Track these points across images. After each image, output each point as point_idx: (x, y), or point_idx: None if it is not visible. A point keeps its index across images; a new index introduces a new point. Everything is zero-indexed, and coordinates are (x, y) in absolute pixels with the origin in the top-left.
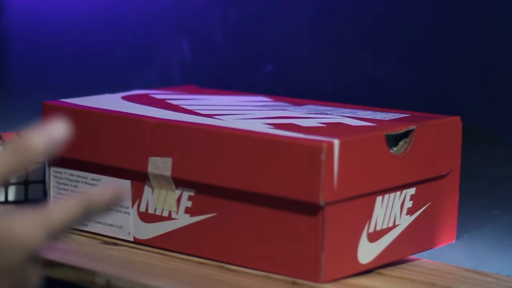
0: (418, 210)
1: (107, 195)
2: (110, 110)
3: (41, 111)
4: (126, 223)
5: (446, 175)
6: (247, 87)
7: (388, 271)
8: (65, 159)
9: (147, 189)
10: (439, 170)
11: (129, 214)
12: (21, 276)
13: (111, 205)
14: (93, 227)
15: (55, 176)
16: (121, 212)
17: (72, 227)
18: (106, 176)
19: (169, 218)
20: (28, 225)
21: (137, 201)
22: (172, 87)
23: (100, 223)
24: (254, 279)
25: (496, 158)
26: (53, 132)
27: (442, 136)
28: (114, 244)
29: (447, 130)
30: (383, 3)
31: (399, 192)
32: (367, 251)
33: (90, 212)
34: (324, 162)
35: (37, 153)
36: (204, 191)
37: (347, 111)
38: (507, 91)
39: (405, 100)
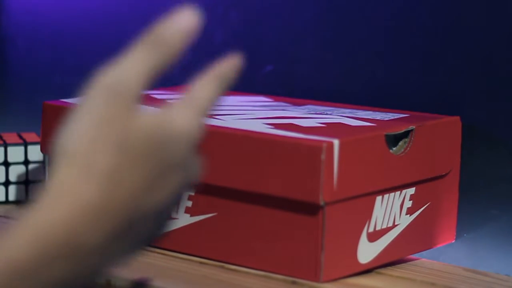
0: (418, 210)
1: (231, 65)
2: None
3: (41, 111)
4: None
5: (445, 175)
6: (247, 87)
7: (387, 270)
8: None
9: None
10: (438, 170)
11: None
12: (187, 168)
13: (236, 73)
14: None
15: None
16: None
17: (215, 104)
18: None
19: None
20: (184, 115)
21: None
22: (172, 87)
23: None
24: (254, 279)
25: (495, 158)
26: (184, 21)
27: (441, 136)
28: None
29: (447, 130)
30: (383, 3)
31: (398, 192)
32: (367, 251)
33: (225, 85)
34: (324, 162)
35: (175, 46)
36: (204, 191)
37: (347, 111)
38: (507, 91)
39: (405, 100)
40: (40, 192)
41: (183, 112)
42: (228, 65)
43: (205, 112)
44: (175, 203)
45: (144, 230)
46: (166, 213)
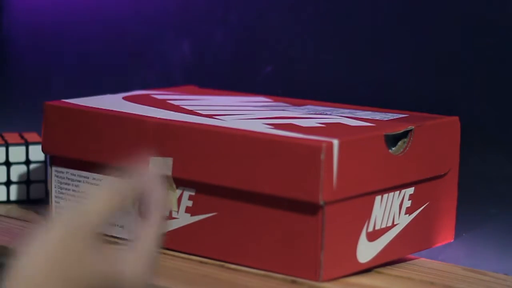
0: (417, 209)
1: (157, 200)
2: (111, 110)
3: (42, 111)
4: (128, 223)
5: (444, 174)
6: (247, 87)
7: (387, 270)
8: (67, 158)
9: None
10: (437, 170)
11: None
12: None
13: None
14: None
15: (57, 176)
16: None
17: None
18: (107, 176)
19: (170, 217)
20: (133, 266)
21: None
22: (173, 88)
23: None
24: (254, 278)
25: (494, 158)
26: (156, 196)
27: (440, 136)
28: (116, 243)
29: (446, 130)
30: (383, 3)
31: (398, 192)
32: (366, 250)
33: (162, 229)
34: (323, 162)
35: (128, 203)
36: (204, 191)
37: (346, 112)
38: (507, 91)
39: (404, 100)
40: None
41: (133, 262)
42: (157, 205)
43: (153, 254)
44: None
45: None
46: None
